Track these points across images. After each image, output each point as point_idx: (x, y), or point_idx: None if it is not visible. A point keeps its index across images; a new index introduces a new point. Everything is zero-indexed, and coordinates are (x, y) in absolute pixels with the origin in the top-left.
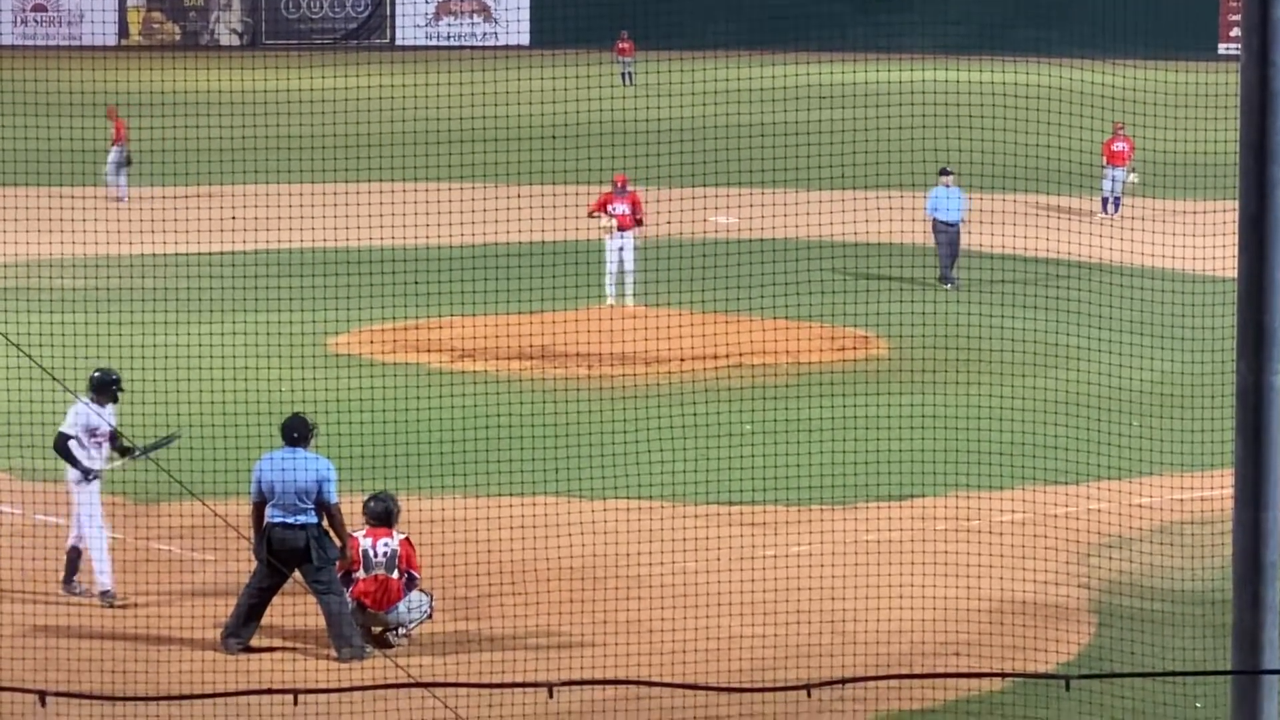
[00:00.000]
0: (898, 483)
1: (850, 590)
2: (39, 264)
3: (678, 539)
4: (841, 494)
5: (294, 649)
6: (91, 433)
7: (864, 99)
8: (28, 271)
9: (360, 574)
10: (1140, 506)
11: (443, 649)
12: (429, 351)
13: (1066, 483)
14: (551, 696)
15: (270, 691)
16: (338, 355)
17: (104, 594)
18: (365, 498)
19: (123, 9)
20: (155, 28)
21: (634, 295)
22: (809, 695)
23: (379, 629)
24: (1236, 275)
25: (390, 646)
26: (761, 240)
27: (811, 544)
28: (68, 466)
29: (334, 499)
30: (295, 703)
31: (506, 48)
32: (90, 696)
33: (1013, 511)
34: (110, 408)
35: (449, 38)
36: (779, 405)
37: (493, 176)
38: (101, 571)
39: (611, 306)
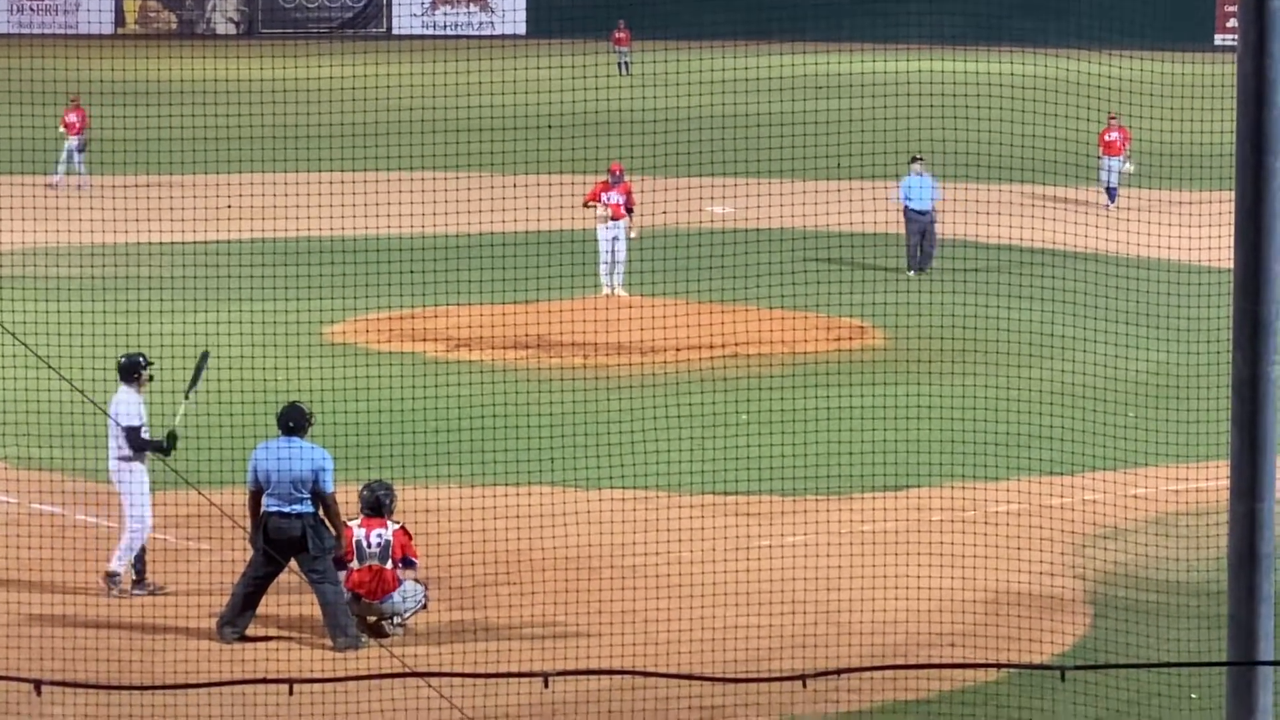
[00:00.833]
0: (893, 473)
1: (846, 580)
2: (33, 252)
3: (673, 529)
4: (837, 484)
5: (290, 638)
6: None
7: (859, 89)
8: (22, 260)
9: (354, 564)
10: (1136, 497)
11: (438, 639)
12: (424, 341)
13: (1062, 473)
14: (547, 686)
15: (266, 681)
16: (333, 344)
17: (111, 576)
18: (360, 487)
19: None
20: (152, 16)
21: (624, 285)
22: (804, 685)
23: (374, 618)
24: (1232, 266)
25: (386, 636)
26: (757, 230)
27: (807, 534)
28: (113, 462)
29: (330, 488)
30: (291, 692)
31: (503, 37)
32: (85, 686)
33: (1008, 502)
34: (140, 393)
35: (445, 27)
36: (775, 395)
37: (488, 166)
38: (121, 556)
39: (606, 296)
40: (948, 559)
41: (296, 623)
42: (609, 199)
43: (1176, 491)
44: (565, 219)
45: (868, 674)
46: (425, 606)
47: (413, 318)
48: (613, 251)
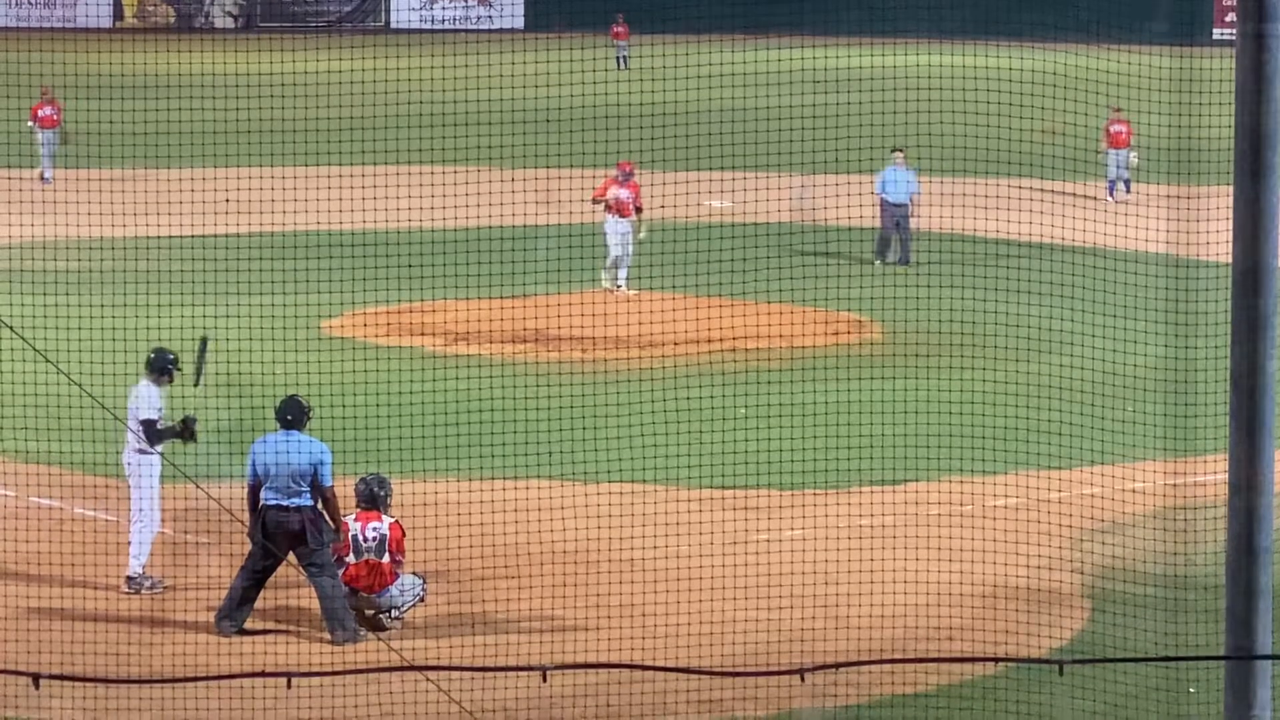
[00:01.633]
0: (892, 467)
1: (844, 574)
2: (31, 245)
3: (672, 523)
4: (836, 478)
5: (288, 632)
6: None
7: (859, 83)
8: (20, 253)
9: (350, 559)
10: (1134, 491)
11: (436, 632)
12: (423, 335)
13: (1060, 467)
14: (545, 680)
15: (264, 674)
16: (332, 338)
17: (131, 580)
18: (356, 480)
19: None
20: (150, 10)
21: (626, 281)
22: (802, 679)
23: (371, 612)
24: (1231, 260)
25: (384, 629)
26: (757, 224)
27: (805, 528)
28: (129, 453)
29: (329, 482)
30: (289, 685)
31: (501, 31)
32: (84, 679)
33: (1007, 496)
34: (161, 388)
35: (444, 21)
36: (774, 389)
37: (487, 160)
38: (136, 557)
39: (607, 290)
40: (946, 553)
41: (295, 616)
42: (615, 195)
43: (1175, 485)
44: (564, 213)
45: (866, 668)
46: (423, 600)
47: (411, 312)
48: (621, 247)
